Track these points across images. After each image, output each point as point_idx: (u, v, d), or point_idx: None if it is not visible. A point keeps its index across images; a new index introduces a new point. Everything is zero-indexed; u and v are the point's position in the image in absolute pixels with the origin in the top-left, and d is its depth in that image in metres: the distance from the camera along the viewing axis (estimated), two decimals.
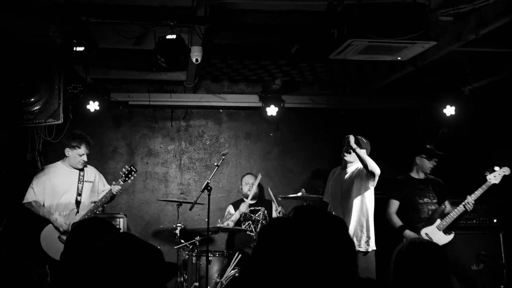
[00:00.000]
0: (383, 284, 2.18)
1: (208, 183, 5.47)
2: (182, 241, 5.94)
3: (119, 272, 1.46)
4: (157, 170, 7.38)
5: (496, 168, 5.64)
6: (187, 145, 7.47)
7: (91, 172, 5.95)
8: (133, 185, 7.07)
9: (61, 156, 5.99)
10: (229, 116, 7.58)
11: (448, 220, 5.70)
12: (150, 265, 1.53)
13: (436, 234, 5.68)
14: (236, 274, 5.48)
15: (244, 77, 7.07)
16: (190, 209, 5.82)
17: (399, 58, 4.63)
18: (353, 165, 5.38)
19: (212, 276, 5.57)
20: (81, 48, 4.41)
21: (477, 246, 6.33)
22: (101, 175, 6.14)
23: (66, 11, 4.38)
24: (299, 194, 5.85)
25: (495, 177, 5.62)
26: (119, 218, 6.38)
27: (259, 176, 6.51)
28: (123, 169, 5.93)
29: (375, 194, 5.38)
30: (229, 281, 5.42)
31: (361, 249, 5.18)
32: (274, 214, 6.66)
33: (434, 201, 5.86)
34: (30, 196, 5.66)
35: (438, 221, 5.72)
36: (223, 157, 5.70)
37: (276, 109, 6.93)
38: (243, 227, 6.50)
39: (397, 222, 5.80)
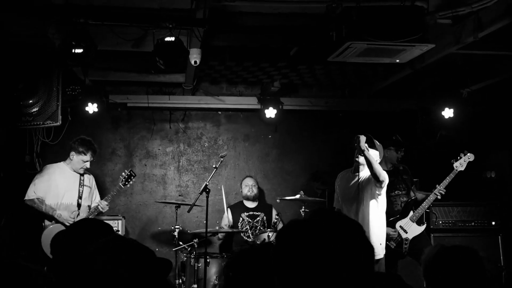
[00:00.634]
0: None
1: (206, 185, 5.46)
2: (181, 243, 5.93)
3: (120, 273, 1.46)
4: (155, 172, 7.38)
5: (461, 155, 5.78)
6: (186, 147, 7.46)
7: (89, 179, 6.03)
8: (131, 187, 7.05)
9: (60, 158, 6.01)
10: (228, 118, 7.58)
11: (420, 211, 5.84)
12: (146, 264, 1.53)
13: (410, 226, 5.81)
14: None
15: (243, 79, 7.07)
16: (189, 211, 5.83)
17: (397, 61, 4.63)
18: (366, 169, 5.19)
19: (211, 278, 5.57)
20: (79, 50, 4.40)
21: (476, 248, 6.32)
22: (95, 183, 6.19)
23: (65, 13, 4.37)
24: (298, 196, 5.85)
25: (460, 164, 5.76)
26: (117, 220, 6.40)
27: (223, 188, 6.52)
28: (123, 173, 5.95)
29: None
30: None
31: (376, 257, 5.10)
32: (274, 220, 6.68)
33: (404, 192, 6.00)
34: (32, 193, 5.65)
35: (411, 212, 5.84)
36: (222, 159, 5.70)
37: (275, 111, 6.93)
38: (241, 234, 6.51)
39: None
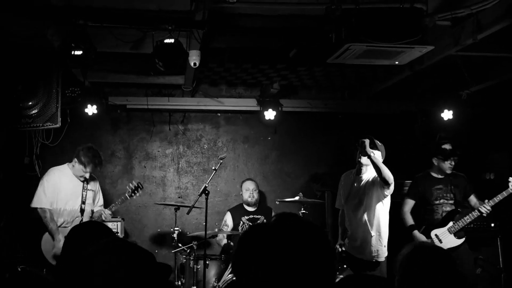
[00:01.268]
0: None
1: (206, 187, 5.46)
2: (180, 245, 5.93)
3: (120, 274, 1.46)
4: (155, 174, 7.37)
5: None
6: (185, 149, 7.46)
7: (93, 183, 5.88)
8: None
9: (59, 160, 5.98)
10: (227, 120, 7.58)
11: (461, 224, 5.63)
12: (146, 267, 1.53)
13: (446, 236, 5.65)
14: (234, 278, 5.46)
15: (242, 81, 7.07)
16: (188, 213, 5.81)
17: (396, 63, 4.64)
18: (369, 170, 5.14)
19: (210, 280, 5.57)
20: (79, 52, 4.40)
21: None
22: (100, 187, 6.05)
23: (64, 14, 4.37)
24: (297, 198, 5.84)
25: None
26: (117, 222, 6.38)
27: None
28: (130, 183, 5.84)
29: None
30: (226, 285, 5.41)
31: (379, 259, 5.10)
32: None
33: (451, 201, 5.78)
34: (44, 200, 5.47)
35: (451, 223, 5.67)
36: (221, 161, 5.69)
37: (274, 113, 6.93)
38: None
39: (409, 221, 5.77)
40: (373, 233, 5.07)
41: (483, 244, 6.43)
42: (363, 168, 5.19)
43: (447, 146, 5.78)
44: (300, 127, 7.62)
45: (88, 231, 2.52)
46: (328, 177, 7.09)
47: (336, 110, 7.49)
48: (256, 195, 6.67)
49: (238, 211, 6.71)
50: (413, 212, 5.86)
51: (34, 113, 5.60)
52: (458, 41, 4.61)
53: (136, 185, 5.78)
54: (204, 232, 5.46)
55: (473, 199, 5.83)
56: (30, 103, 5.57)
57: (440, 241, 5.63)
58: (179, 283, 5.89)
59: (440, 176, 5.86)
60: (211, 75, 6.75)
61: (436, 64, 5.46)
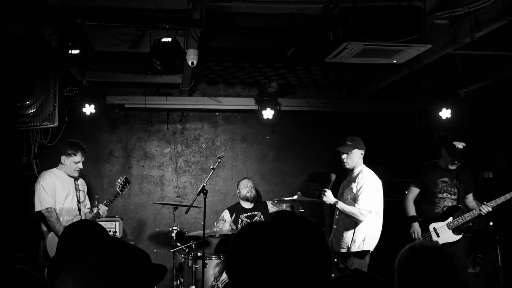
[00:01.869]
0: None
1: (204, 186, 5.45)
2: (178, 244, 5.92)
3: (114, 274, 1.46)
4: (153, 173, 7.36)
5: None
6: (183, 148, 7.45)
7: (82, 183, 5.94)
8: (129, 188, 7.03)
9: (57, 159, 5.96)
10: (225, 119, 7.57)
11: (460, 220, 5.67)
12: (141, 267, 1.53)
13: (444, 231, 5.68)
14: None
15: (240, 80, 7.07)
16: (186, 212, 5.81)
17: (394, 61, 4.64)
18: (355, 171, 5.48)
19: (208, 280, 5.56)
20: (76, 51, 4.39)
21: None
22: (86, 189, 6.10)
23: (61, 14, 4.37)
24: (295, 197, 5.83)
25: None
26: (115, 221, 6.38)
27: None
28: (118, 179, 5.87)
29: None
30: (225, 285, 5.41)
31: (354, 250, 5.30)
32: None
33: (454, 197, 5.80)
34: (47, 201, 5.44)
35: (450, 219, 5.70)
36: (219, 160, 5.69)
37: (272, 112, 6.93)
38: None
39: (411, 211, 5.81)
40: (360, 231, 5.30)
41: (482, 243, 6.43)
42: (349, 172, 5.56)
43: (459, 145, 5.73)
44: (298, 126, 7.62)
45: (82, 231, 2.51)
46: (326, 176, 7.09)
47: (334, 109, 7.49)
48: (254, 191, 6.76)
49: (236, 210, 6.71)
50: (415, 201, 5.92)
51: (31, 113, 5.59)
52: (456, 39, 4.61)
53: (124, 180, 5.84)
54: (202, 231, 5.45)
55: (470, 197, 5.87)
56: (28, 102, 5.56)
57: (438, 235, 5.69)
58: (178, 282, 5.88)
59: (447, 168, 5.82)
60: (209, 74, 6.75)
61: (434, 63, 5.46)
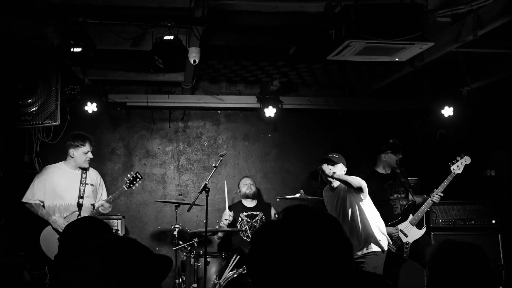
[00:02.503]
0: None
1: (206, 184, 5.45)
2: (180, 242, 5.93)
3: (119, 270, 1.45)
4: (155, 171, 7.37)
5: (458, 158, 5.83)
6: (185, 146, 7.45)
7: (93, 175, 5.95)
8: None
9: (59, 158, 5.99)
10: (227, 117, 7.57)
11: (420, 214, 5.86)
12: (143, 263, 1.52)
13: (410, 229, 5.84)
14: (235, 275, 5.47)
15: (242, 78, 7.06)
16: (188, 210, 5.82)
17: (397, 59, 4.63)
18: (334, 184, 5.53)
19: (211, 278, 5.56)
20: (78, 49, 4.39)
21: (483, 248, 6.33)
22: (102, 180, 6.13)
23: (63, 12, 4.37)
24: (298, 195, 5.84)
25: (458, 167, 5.80)
26: (117, 219, 6.37)
27: (225, 184, 6.63)
28: (128, 175, 5.93)
29: None
30: (227, 282, 5.41)
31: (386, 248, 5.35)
32: (273, 219, 6.66)
33: (404, 195, 6.01)
34: (30, 196, 5.64)
35: (411, 216, 5.87)
36: (221, 158, 5.69)
37: (274, 110, 6.92)
38: (240, 233, 6.50)
39: None
40: (367, 229, 5.30)
41: (484, 241, 6.43)
42: (334, 183, 5.52)
43: (395, 141, 6.08)
44: (300, 124, 7.61)
45: (84, 228, 2.50)
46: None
47: (336, 107, 7.49)
48: (253, 188, 6.77)
49: (237, 208, 6.71)
50: None
51: (33, 111, 5.60)
52: (459, 37, 4.60)
53: (135, 175, 5.85)
54: (204, 229, 5.45)
55: (412, 196, 6.09)
56: (30, 100, 5.57)
57: (406, 235, 5.84)
58: (180, 280, 5.89)
59: (387, 172, 6.09)
60: (211, 72, 6.74)
61: (436, 61, 5.45)
